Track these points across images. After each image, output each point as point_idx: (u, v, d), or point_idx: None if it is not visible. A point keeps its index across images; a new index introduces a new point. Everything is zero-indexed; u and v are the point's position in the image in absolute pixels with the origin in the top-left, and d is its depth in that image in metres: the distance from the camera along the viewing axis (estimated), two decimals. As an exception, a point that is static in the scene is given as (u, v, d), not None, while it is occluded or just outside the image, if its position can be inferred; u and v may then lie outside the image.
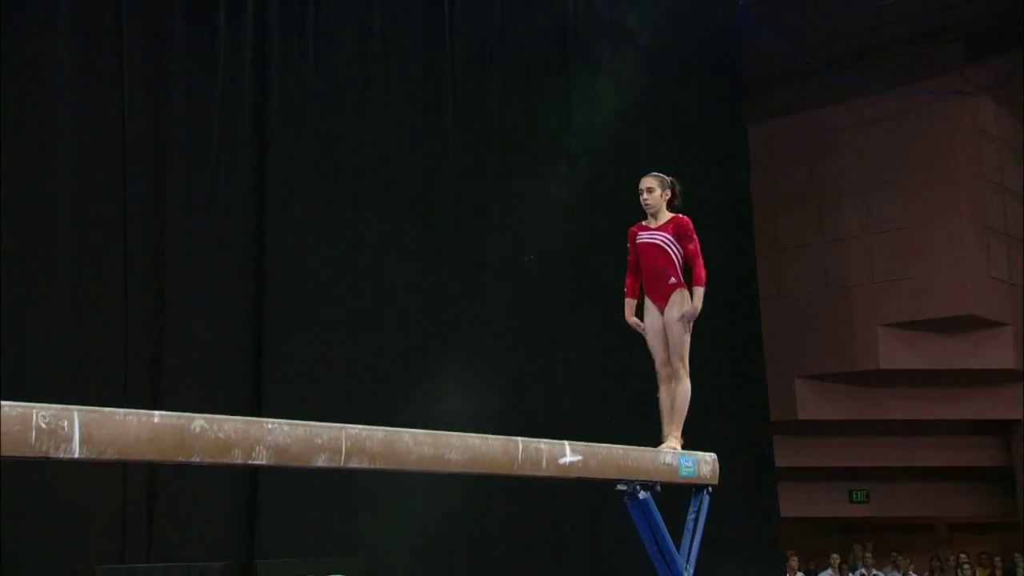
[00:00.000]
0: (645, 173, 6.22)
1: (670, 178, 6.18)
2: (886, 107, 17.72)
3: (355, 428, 3.79)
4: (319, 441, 3.65)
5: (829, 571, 15.40)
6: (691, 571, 5.05)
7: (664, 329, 6.03)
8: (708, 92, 15.13)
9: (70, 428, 2.98)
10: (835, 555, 15.81)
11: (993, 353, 17.64)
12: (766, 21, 15.99)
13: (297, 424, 3.61)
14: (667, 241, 6.00)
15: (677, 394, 5.96)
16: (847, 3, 16.14)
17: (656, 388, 6.16)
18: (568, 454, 4.52)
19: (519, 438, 4.41)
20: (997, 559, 17.12)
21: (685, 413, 5.93)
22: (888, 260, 17.53)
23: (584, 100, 13.31)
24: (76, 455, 2.99)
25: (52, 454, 2.94)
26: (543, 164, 12.68)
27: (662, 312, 6.04)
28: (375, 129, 11.03)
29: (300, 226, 10.22)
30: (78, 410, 3.02)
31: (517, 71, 12.57)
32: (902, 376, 17.66)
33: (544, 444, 4.49)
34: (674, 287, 6.00)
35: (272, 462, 3.55)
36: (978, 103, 17.79)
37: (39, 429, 2.91)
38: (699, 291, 5.94)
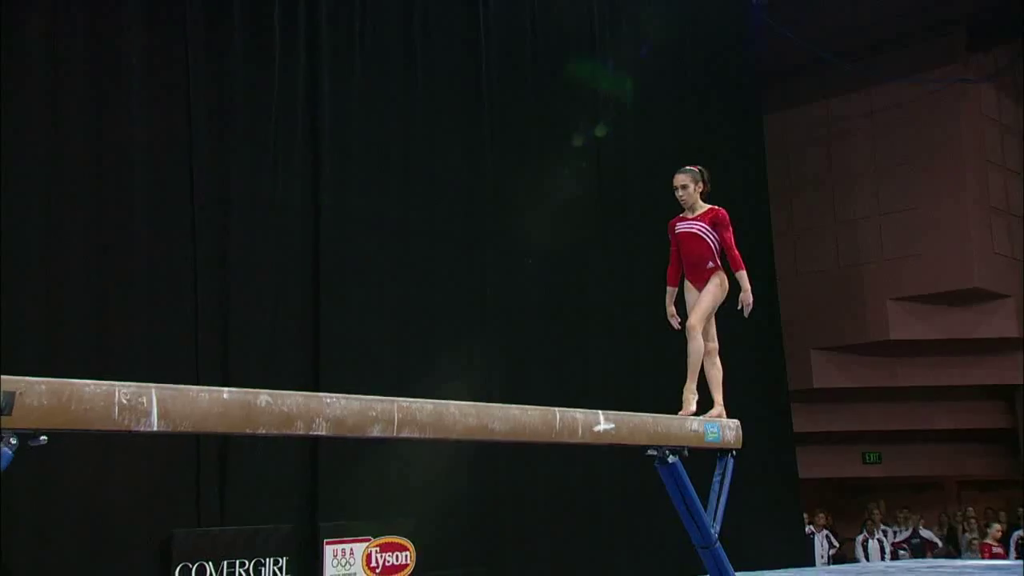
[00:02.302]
0: (676, 169, 6.14)
1: (699, 168, 6.11)
2: (894, 96, 17.59)
3: (406, 401, 3.81)
4: (373, 413, 3.67)
5: (810, 528, 15.18)
6: (717, 529, 5.04)
7: None
8: (727, 85, 15.04)
9: (149, 404, 3.02)
10: (821, 513, 15.61)
11: (997, 323, 17.53)
12: (781, 18, 15.95)
13: (353, 398, 3.63)
14: (704, 230, 5.97)
15: (689, 351, 5.91)
16: (857, 0, 16.01)
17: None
18: (602, 422, 4.52)
19: (556, 408, 4.41)
20: (1002, 513, 17.05)
21: (696, 370, 5.87)
22: (897, 238, 17.43)
23: (610, 93, 13.26)
24: (154, 428, 3.03)
25: (133, 428, 2.98)
26: (572, 154, 12.65)
27: (700, 291, 6.00)
28: (418, 127, 11.04)
29: (352, 217, 10.25)
30: (155, 388, 3.06)
31: (545, 69, 12.53)
32: (911, 346, 17.57)
33: (580, 413, 4.49)
34: (713, 270, 5.98)
35: (331, 433, 3.58)
36: (980, 90, 17.64)
37: (121, 405, 2.95)
38: (742, 275, 5.92)
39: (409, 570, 10.04)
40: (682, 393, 5.80)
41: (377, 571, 9.82)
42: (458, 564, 10.48)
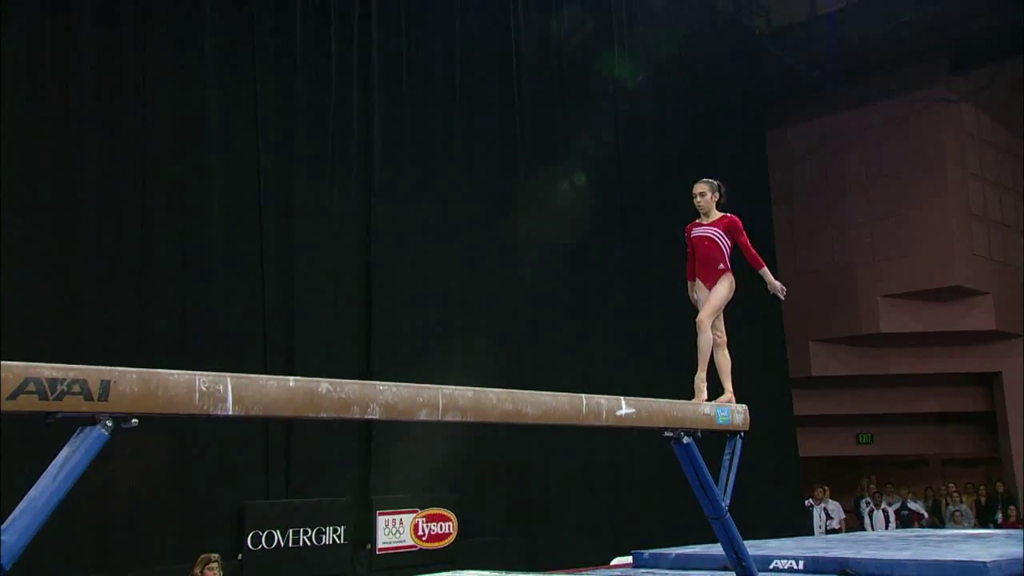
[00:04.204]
0: (696, 179, 6.09)
1: (717, 182, 6.03)
2: (883, 114, 17.44)
3: (449, 388, 3.78)
4: (421, 399, 3.64)
5: (809, 501, 15.01)
6: (727, 502, 4.99)
7: None
8: (733, 105, 14.97)
9: (224, 391, 3.02)
10: (820, 488, 15.40)
11: (976, 317, 17.37)
12: (781, 45, 15.91)
13: (402, 386, 3.62)
14: (718, 234, 5.87)
15: (699, 344, 5.82)
16: (849, 29, 15.91)
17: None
18: (624, 407, 4.47)
19: (583, 394, 4.38)
20: (981, 487, 16.91)
21: (706, 361, 5.76)
22: (886, 241, 17.30)
23: (631, 116, 13.23)
24: (230, 413, 3.03)
25: (211, 412, 2.98)
26: (598, 166, 12.62)
27: (710, 290, 5.91)
28: (458, 142, 11.07)
29: (399, 223, 10.29)
30: (230, 376, 3.06)
31: (573, 93, 12.53)
32: (900, 338, 17.42)
33: (604, 399, 4.44)
34: (722, 272, 5.85)
35: (383, 417, 3.55)
36: (961, 108, 17.46)
37: (200, 392, 2.95)
38: (765, 271, 5.85)
39: (451, 538, 10.06)
40: (694, 382, 5.75)
41: (423, 539, 9.84)
42: (494, 533, 10.49)
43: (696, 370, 5.75)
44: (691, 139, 13.81)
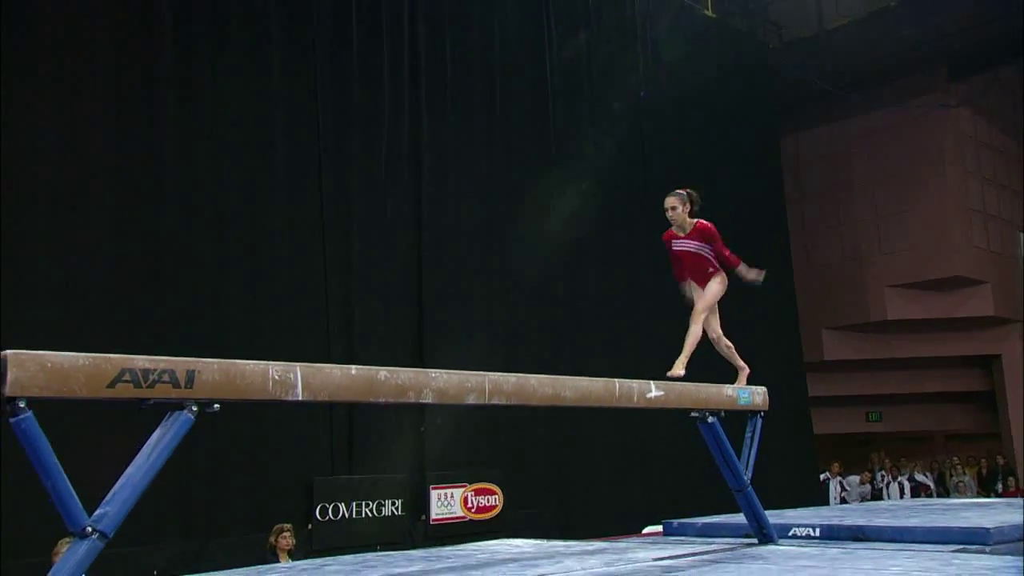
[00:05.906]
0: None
1: (687, 191, 5.69)
2: (889, 118, 17.21)
3: (494, 375, 3.77)
4: (468, 385, 3.64)
5: (826, 475, 14.81)
6: (749, 475, 4.95)
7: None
8: (751, 113, 14.84)
9: (295, 379, 3.04)
10: (835, 463, 15.17)
11: (976, 304, 17.13)
12: (793, 57, 15.77)
13: (452, 372, 3.62)
14: (699, 247, 5.58)
15: (688, 332, 5.57)
16: (855, 42, 15.72)
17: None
18: (653, 390, 4.45)
19: (616, 379, 4.36)
20: (982, 460, 16.67)
21: (691, 347, 5.48)
22: (892, 235, 17.11)
23: (655, 124, 13.15)
24: (299, 398, 3.06)
25: (282, 398, 3.01)
26: (625, 170, 12.54)
27: (704, 288, 5.70)
28: (498, 153, 11.06)
29: (447, 226, 10.31)
30: (300, 365, 3.08)
31: (600, 103, 12.48)
32: (905, 324, 17.21)
33: (635, 383, 4.40)
34: (713, 274, 5.63)
35: (436, 401, 3.55)
36: (960, 113, 17.21)
37: (273, 380, 2.98)
38: (741, 267, 5.54)
39: (497, 510, 10.09)
40: (676, 360, 5.50)
41: (472, 511, 9.87)
42: (536, 505, 10.49)
43: (680, 354, 5.53)
44: (710, 145, 13.69)
